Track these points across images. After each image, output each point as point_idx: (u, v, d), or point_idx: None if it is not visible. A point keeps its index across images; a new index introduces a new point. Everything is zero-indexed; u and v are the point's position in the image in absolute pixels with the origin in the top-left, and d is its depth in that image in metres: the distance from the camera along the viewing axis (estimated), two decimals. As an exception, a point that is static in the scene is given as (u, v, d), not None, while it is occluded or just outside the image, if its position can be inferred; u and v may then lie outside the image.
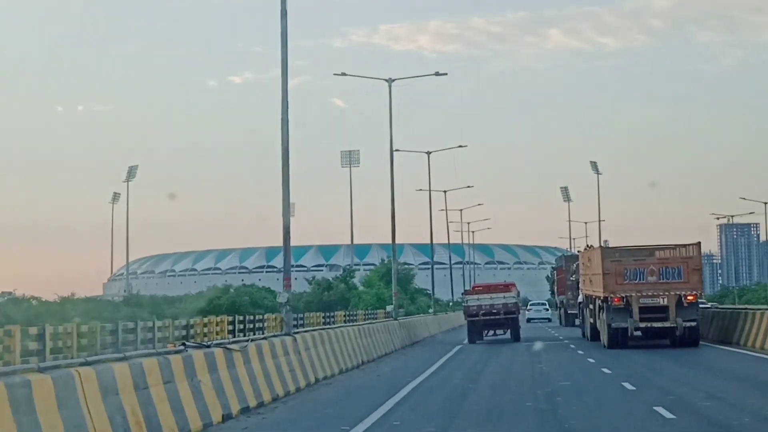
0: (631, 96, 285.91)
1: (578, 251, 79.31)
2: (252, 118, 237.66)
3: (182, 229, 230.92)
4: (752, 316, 32.39)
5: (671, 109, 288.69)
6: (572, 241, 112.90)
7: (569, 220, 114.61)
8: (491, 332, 44.94)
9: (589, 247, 42.62)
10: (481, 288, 45.79)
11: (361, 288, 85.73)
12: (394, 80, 47.63)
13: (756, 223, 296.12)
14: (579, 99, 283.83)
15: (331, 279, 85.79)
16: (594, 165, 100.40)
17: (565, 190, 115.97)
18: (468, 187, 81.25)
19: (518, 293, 43.62)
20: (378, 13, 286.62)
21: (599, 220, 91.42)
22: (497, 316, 42.61)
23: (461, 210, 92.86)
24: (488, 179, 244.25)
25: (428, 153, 65.43)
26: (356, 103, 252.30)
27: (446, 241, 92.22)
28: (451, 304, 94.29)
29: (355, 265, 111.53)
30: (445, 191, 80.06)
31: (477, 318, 42.87)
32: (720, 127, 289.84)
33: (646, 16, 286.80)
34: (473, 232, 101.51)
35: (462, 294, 48.91)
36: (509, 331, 44.08)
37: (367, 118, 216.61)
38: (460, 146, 66.60)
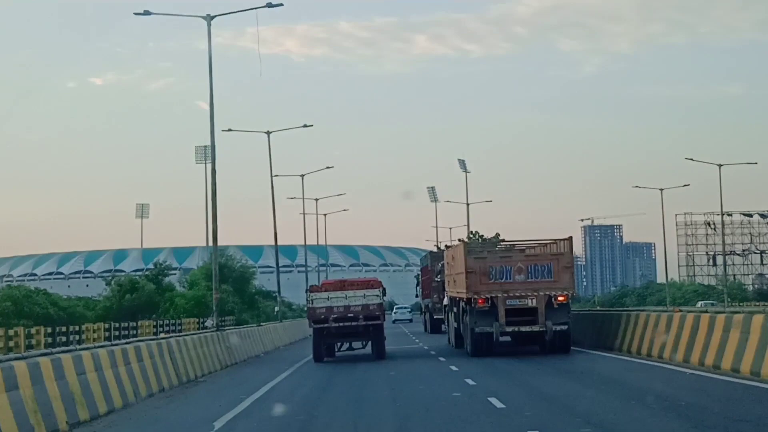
0: (496, 101, 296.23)
1: (443, 246, 78.22)
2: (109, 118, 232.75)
3: (25, 231, 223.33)
4: (630, 317, 30.41)
5: (535, 113, 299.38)
6: (440, 239, 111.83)
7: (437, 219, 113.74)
8: (346, 345, 35.65)
9: (466, 240, 39.58)
10: (333, 284, 34.84)
11: (180, 289, 72.69)
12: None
13: (619, 225, 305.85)
14: (445, 103, 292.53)
15: (138, 278, 69.64)
16: (462, 162, 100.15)
17: (432, 190, 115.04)
18: (328, 167, 79.41)
19: (384, 292, 33.64)
20: (245, 16, 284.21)
21: (468, 218, 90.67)
22: (355, 323, 32.77)
23: (317, 199, 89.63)
24: (355, 182, 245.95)
25: (302, 176, 76.56)
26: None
27: (310, 243, 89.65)
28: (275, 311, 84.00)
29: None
30: (302, 175, 78.24)
31: (326, 325, 32.94)
32: (581, 132, 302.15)
33: (510, 23, 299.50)
34: (325, 215, 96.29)
35: (306, 292, 35.56)
36: (370, 343, 34.62)
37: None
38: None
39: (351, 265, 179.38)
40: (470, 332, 31.65)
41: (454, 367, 26.61)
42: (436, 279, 51.60)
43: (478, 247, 35.03)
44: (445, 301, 42.84)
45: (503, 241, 69.85)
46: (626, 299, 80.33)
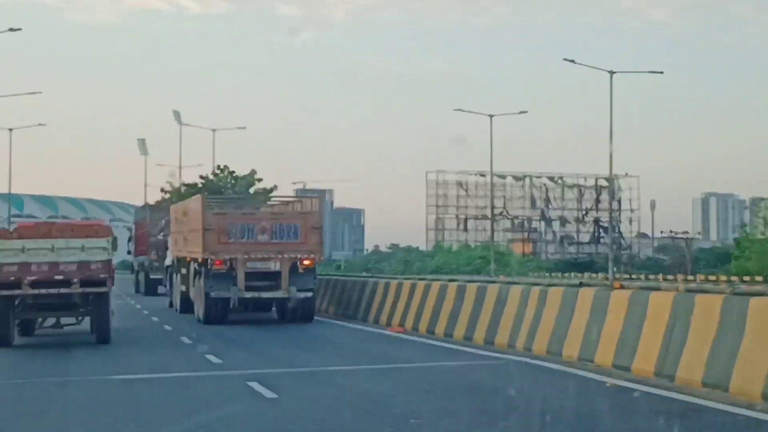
0: (211, 59, 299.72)
1: (164, 197, 76.47)
2: None
3: None
4: (378, 285, 32.27)
5: (251, 74, 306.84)
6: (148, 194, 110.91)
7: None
8: (50, 321, 28.15)
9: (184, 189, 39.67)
10: (32, 228, 26.79)
11: None
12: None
13: (330, 190, 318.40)
14: (159, 58, 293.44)
15: None
16: (177, 114, 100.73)
17: (142, 143, 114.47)
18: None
19: (114, 243, 26.18)
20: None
21: (180, 171, 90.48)
22: (66, 289, 25.05)
23: (10, 129, 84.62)
24: (60, 132, 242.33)
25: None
26: None
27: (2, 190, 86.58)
28: None
29: None
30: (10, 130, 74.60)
31: (18, 292, 25.13)
32: (299, 97, 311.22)
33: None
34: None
35: None
36: (89, 318, 27.08)
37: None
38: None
39: (49, 217, 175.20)
40: (204, 297, 32.01)
41: (186, 339, 26.97)
42: (157, 235, 51.49)
43: (218, 201, 35.32)
44: (168, 261, 43.01)
45: (260, 180, 68.88)
46: (384, 264, 79.67)
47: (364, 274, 50.03)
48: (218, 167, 72.23)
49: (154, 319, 35.81)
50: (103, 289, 25.44)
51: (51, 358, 23.43)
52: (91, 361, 22.27)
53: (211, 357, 21.37)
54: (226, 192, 64.43)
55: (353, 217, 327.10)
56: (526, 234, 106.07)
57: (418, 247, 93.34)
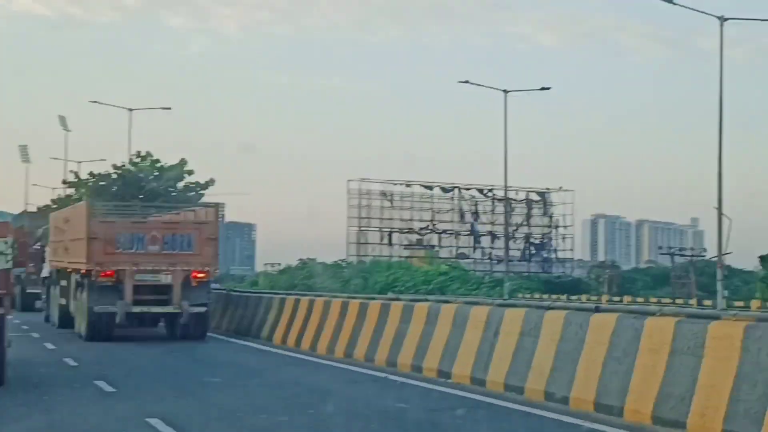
0: (98, 69, 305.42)
1: (59, 195, 74.45)
2: None
3: None
4: (268, 302, 33.15)
5: (140, 84, 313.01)
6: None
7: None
8: None
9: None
10: None
11: None
12: None
13: (223, 204, 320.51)
14: (45, 63, 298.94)
15: None
16: (63, 119, 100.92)
17: (23, 149, 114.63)
18: None
19: (14, 244, 20.20)
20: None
21: (69, 167, 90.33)
22: None
23: None
24: None
25: None
26: None
27: None
28: None
29: None
30: None
31: None
32: (185, 109, 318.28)
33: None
34: None
35: None
36: None
37: None
38: None
39: None
40: (87, 311, 31.94)
41: (70, 361, 25.96)
42: (35, 246, 50.97)
43: (104, 208, 35.34)
44: (45, 273, 42.81)
45: (190, 172, 63.79)
46: (314, 280, 76.12)
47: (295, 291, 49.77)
48: (137, 154, 64.07)
49: (35, 335, 35.37)
50: None
51: None
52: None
53: (101, 384, 20.20)
54: (148, 185, 60.47)
55: (245, 232, 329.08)
56: (422, 249, 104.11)
57: (352, 262, 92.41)
